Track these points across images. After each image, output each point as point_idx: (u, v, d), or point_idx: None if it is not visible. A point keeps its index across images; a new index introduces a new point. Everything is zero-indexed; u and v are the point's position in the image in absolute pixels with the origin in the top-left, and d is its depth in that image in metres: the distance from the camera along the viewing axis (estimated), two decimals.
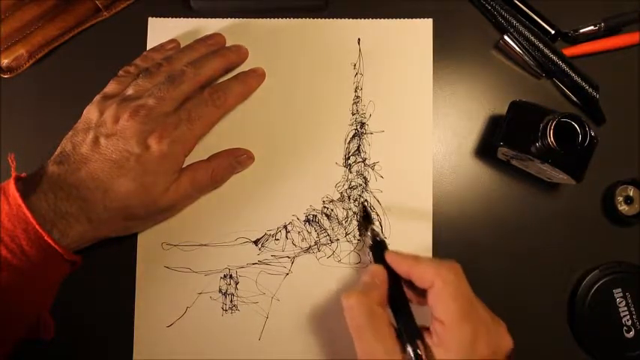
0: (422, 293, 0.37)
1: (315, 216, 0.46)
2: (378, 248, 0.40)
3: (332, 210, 0.46)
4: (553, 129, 0.39)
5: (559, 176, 0.42)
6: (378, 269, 0.38)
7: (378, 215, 0.45)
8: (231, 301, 0.45)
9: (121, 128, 0.40)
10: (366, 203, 0.45)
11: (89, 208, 0.38)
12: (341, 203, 0.46)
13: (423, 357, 0.33)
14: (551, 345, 0.45)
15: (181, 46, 0.46)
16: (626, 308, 0.44)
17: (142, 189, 0.39)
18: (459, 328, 0.33)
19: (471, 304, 0.35)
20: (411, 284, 0.37)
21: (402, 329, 0.35)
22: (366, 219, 0.44)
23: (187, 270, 0.45)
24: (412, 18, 0.47)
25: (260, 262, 0.45)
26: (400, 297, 0.37)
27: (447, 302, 0.34)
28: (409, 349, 0.33)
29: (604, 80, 0.46)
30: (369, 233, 0.42)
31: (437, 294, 0.34)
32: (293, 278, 0.45)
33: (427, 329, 0.35)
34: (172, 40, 0.47)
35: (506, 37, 0.46)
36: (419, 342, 0.34)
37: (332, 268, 0.45)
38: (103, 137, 0.40)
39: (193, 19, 0.48)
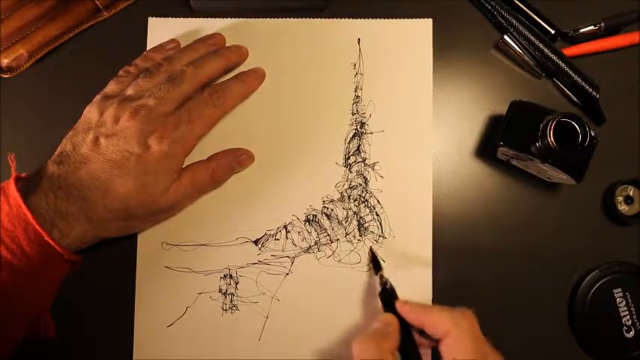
0: (430, 340, 0.37)
1: (315, 216, 0.46)
2: (388, 296, 0.40)
3: (332, 210, 0.46)
4: (553, 129, 0.39)
5: (559, 176, 0.42)
6: (390, 318, 0.38)
7: (378, 215, 0.45)
8: (231, 301, 0.45)
9: (121, 128, 0.40)
10: (374, 250, 0.45)
11: (89, 208, 0.38)
12: (341, 203, 0.46)
13: None
14: (551, 345, 0.45)
15: (181, 46, 0.46)
16: (626, 308, 0.44)
17: (142, 189, 0.39)
18: None
19: (486, 352, 0.35)
20: (420, 331, 0.37)
21: None
22: (374, 266, 0.44)
23: (187, 270, 0.45)
24: (412, 18, 0.47)
25: (260, 262, 0.45)
26: (410, 344, 0.37)
27: (462, 351, 0.34)
28: None
29: (604, 80, 0.46)
30: (378, 279, 0.42)
31: (452, 342, 0.35)
32: (293, 278, 0.45)
33: None
34: (172, 40, 0.47)
35: (506, 37, 0.46)
36: None
37: (332, 268, 0.45)
38: (103, 137, 0.40)
39: (193, 19, 0.48)
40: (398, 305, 0.38)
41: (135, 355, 0.44)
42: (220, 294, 0.45)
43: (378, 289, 0.41)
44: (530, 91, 0.47)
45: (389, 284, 0.41)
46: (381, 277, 0.42)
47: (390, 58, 0.47)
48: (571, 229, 0.46)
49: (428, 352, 0.40)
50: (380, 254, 0.45)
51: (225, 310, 0.45)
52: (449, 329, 0.35)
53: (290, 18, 0.48)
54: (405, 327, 0.37)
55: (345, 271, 0.45)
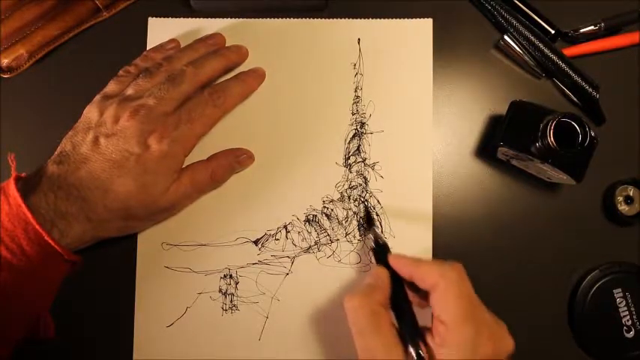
0: (423, 295, 0.37)
1: (315, 216, 0.46)
2: (381, 251, 0.40)
3: (332, 210, 0.46)
4: (553, 129, 0.39)
5: (559, 176, 0.42)
6: (381, 271, 0.38)
7: (378, 215, 0.45)
8: (231, 301, 0.45)
9: (121, 128, 0.40)
10: (368, 205, 0.45)
11: (89, 207, 0.38)
12: (341, 203, 0.46)
13: (426, 358, 0.33)
14: (551, 345, 0.45)
15: (181, 46, 0.46)
16: (626, 308, 0.44)
17: (142, 189, 0.39)
18: (462, 329, 0.33)
19: (474, 304, 0.35)
20: (412, 287, 0.37)
21: (404, 330, 0.35)
22: (367, 221, 0.44)
23: (187, 270, 0.45)
24: (412, 18, 0.47)
25: (260, 262, 0.45)
26: (402, 299, 0.37)
27: (450, 303, 0.34)
28: (411, 350, 0.33)
29: (604, 80, 0.46)
30: (371, 236, 0.42)
31: (440, 295, 0.34)
32: (293, 278, 0.45)
33: (429, 330, 0.35)
34: (172, 40, 0.47)
35: (506, 37, 0.46)
36: (421, 343, 0.34)
37: (332, 268, 0.45)
38: (103, 137, 0.40)
39: (193, 19, 0.48)
40: (390, 258, 0.38)
41: (135, 355, 0.44)
42: (220, 294, 0.45)
43: (372, 244, 0.41)
44: (530, 91, 0.47)
45: (381, 239, 0.41)
46: (374, 233, 0.42)
47: (390, 58, 0.47)
48: (571, 229, 0.46)
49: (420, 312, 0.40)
50: None
51: (225, 310, 0.45)
52: (437, 281, 0.35)
53: (290, 18, 0.48)
54: (398, 282, 0.37)
55: (345, 271, 0.45)
